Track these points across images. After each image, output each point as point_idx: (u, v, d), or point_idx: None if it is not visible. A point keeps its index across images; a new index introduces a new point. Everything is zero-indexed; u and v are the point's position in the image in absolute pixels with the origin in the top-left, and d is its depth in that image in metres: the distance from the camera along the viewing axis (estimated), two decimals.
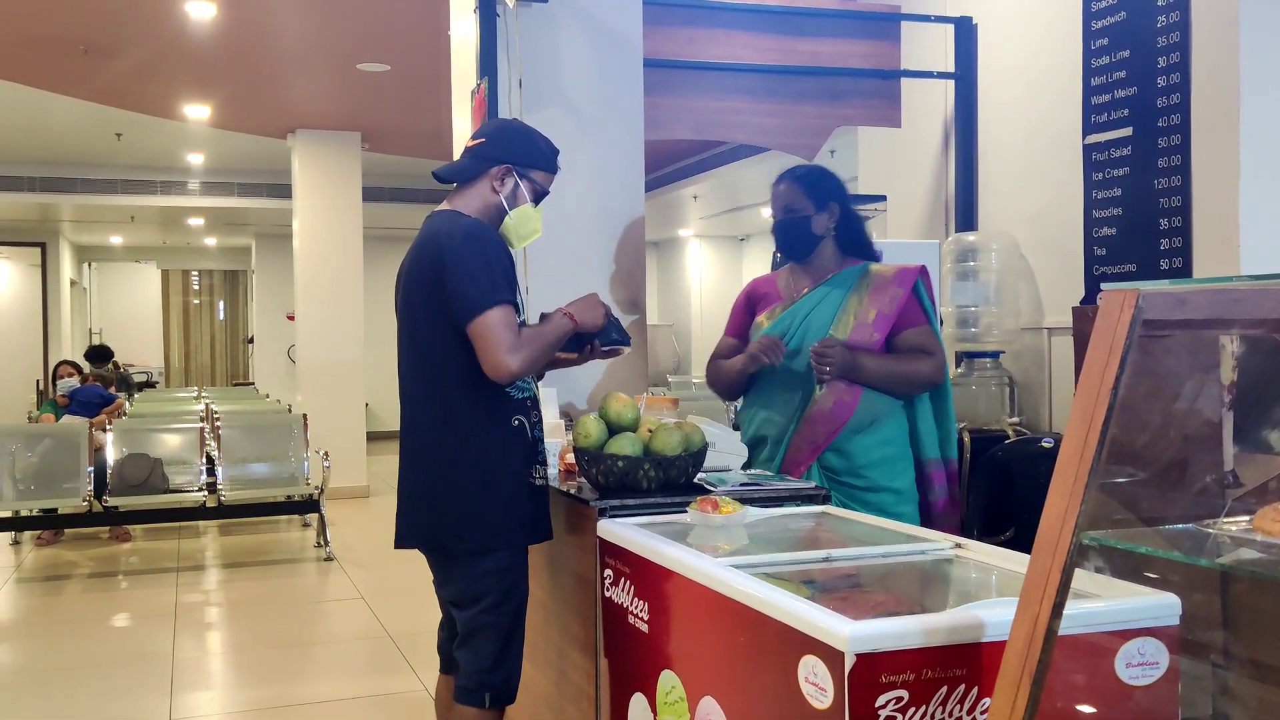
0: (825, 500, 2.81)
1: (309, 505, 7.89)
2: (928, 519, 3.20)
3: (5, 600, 6.61)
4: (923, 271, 3.27)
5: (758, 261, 16.08)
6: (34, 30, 7.12)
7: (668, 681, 2.24)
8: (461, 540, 2.70)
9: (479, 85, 3.76)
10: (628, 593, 2.44)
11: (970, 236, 4.64)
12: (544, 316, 2.85)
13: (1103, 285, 3.85)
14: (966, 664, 1.68)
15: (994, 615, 1.70)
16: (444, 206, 2.83)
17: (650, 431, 2.78)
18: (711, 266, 17.10)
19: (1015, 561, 2.15)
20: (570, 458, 2.97)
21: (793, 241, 3.32)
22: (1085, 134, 4.22)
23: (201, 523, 8.66)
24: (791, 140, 4.70)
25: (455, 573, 2.76)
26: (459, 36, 4.47)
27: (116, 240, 18.28)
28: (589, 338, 2.89)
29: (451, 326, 2.64)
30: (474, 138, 2.86)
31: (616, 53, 4.08)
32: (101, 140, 11.06)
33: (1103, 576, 1.79)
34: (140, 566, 7.65)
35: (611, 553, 2.54)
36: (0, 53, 7.69)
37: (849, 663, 1.61)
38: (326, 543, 7.72)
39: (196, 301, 21.91)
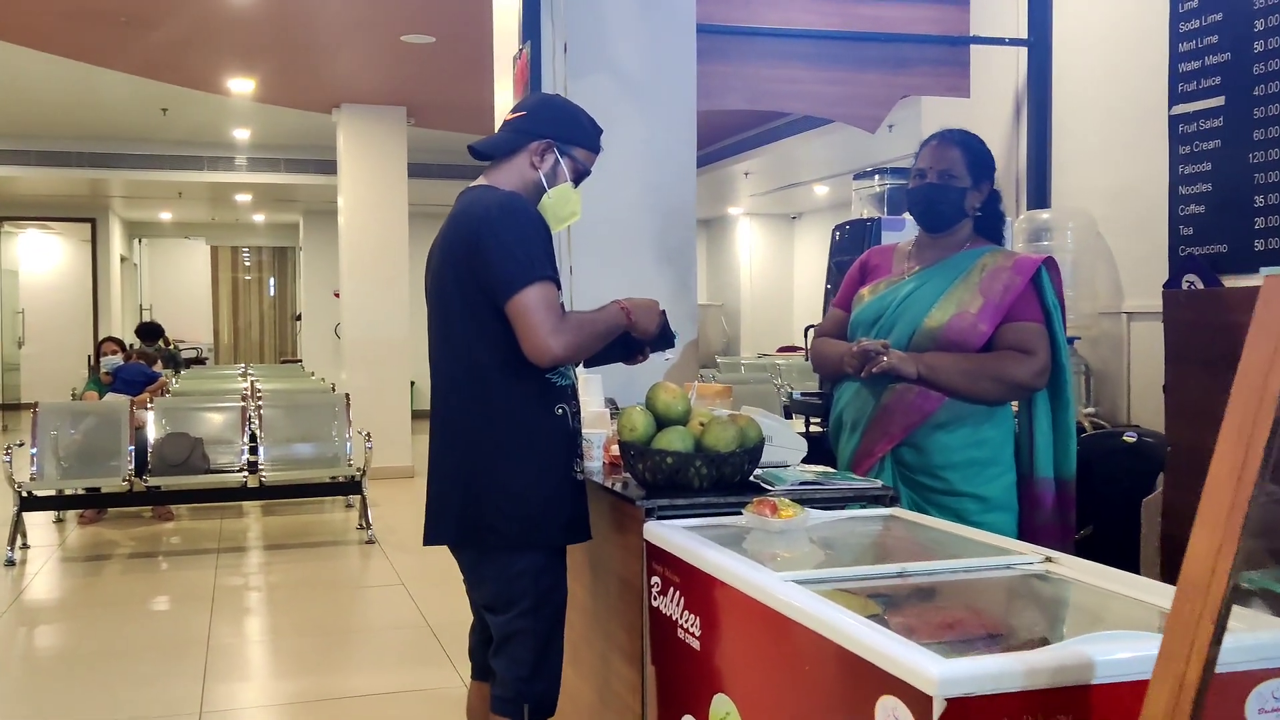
0: (893, 502, 2.57)
1: (351, 486, 7.75)
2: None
3: (45, 580, 6.53)
4: (1049, 263, 2.91)
5: (810, 241, 15.77)
6: (74, 2, 6.99)
7: (721, 707, 2.01)
8: (496, 533, 2.50)
9: (521, 51, 3.53)
10: (677, 604, 2.22)
11: (1044, 214, 4.35)
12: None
13: (1268, 269, 3.54)
14: (1074, 709, 1.44)
15: (1105, 653, 1.46)
16: (479, 182, 2.63)
17: (702, 425, 2.55)
18: (762, 246, 16.78)
19: (1116, 580, 1.91)
20: (616, 449, 2.74)
21: (938, 211, 2.96)
22: (1171, 104, 3.92)
23: (244, 502, 8.55)
24: (852, 110, 4.44)
25: (487, 573, 2.56)
26: (502, 3, 4.24)
27: (166, 216, 18.31)
28: (638, 344, 2.72)
29: (490, 307, 2.45)
30: (513, 111, 2.66)
31: (667, 17, 3.84)
32: (148, 115, 10.97)
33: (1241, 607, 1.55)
34: (181, 547, 7.55)
35: (659, 558, 2.31)
36: (42, 25, 7.58)
37: (938, 708, 1.37)
38: (368, 525, 7.58)
39: (248, 278, 21.94)
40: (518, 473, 2.49)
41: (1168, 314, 3.21)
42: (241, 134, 12.19)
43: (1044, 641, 1.56)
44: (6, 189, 14.59)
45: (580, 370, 2.93)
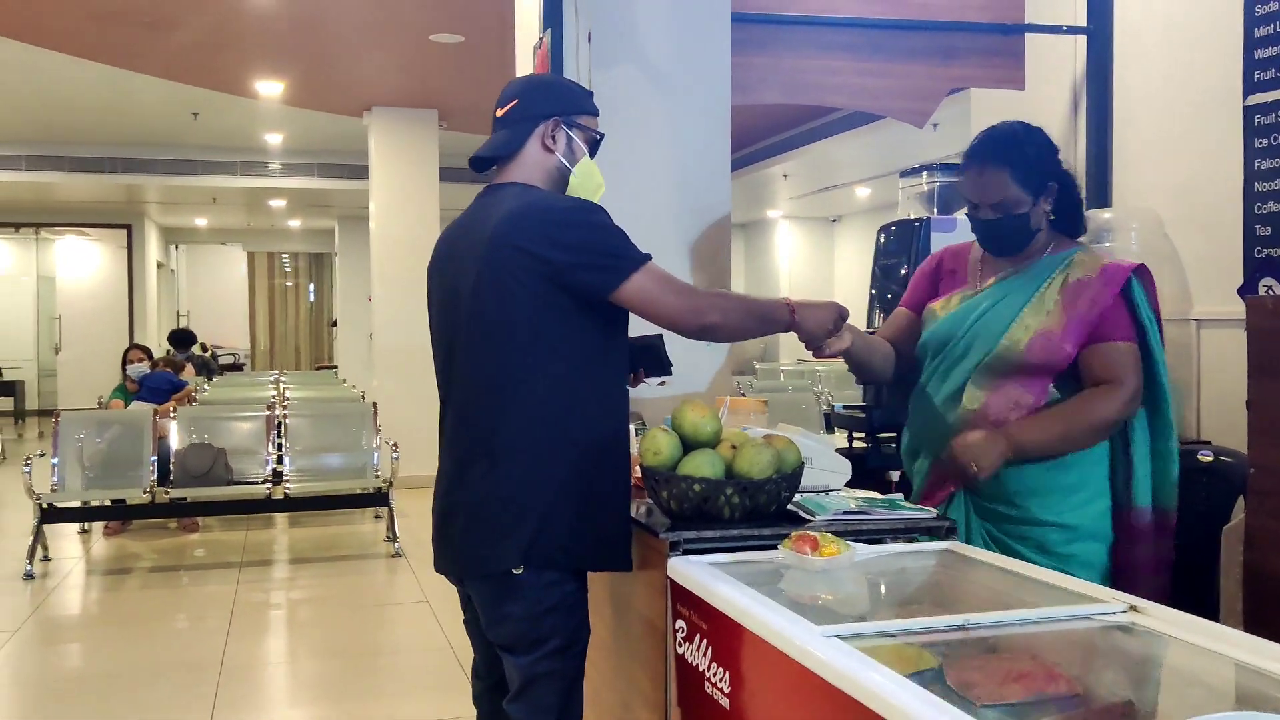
0: (950, 534, 2.29)
1: (378, 498, 7.54)
2: (1129, 581, 2.56)
3: (63, 595, 6.36)
4: (1140, 270, 2.59)
5: (850, 244, 15.45)
6: (100, 4, 6.85)
7: None
8: (567, 554, 2.24)
9: (541, 39, 3.29)
10: (704, 654, 1.96)
11: (1105, 213, 4.05)
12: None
13: None
14: None
15: None
16: (500, 182, 2.38)
17: (734, 448, 2.28)
18: (801, 249, 16.49)
19: (1212, 635, 1.63)
20: (640, 471, 2.48)
21: (1006, 244, 2.65)
22: (1246, 94, 3.61)
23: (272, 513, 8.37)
24: (898, 104, 4.15)
25: (513, 608, 2.26)
26: None
27: (201, 222, 18.29)
28: (638, 364, 2.53)
29: (560, 310, 2.23)
30: (501, 105, 2.42)
31: (701, 4, 3.57)
32: (179, 120, 10.87)
33: None
34: (204, 560, 7.37)
35: (685, 600, 2.05)
36: (67, 27, 7.46)
37: None
38: (395, 538, 7.36)
39: (290, 284, 21.93)
40: (591, 486, 2.26)
41: (1251, 322, 2.90)
42: (274, 139, 12.09)
43: (1129, 708, 1.30)
44: (44, 195, 14.60)
45: None
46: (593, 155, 2.45)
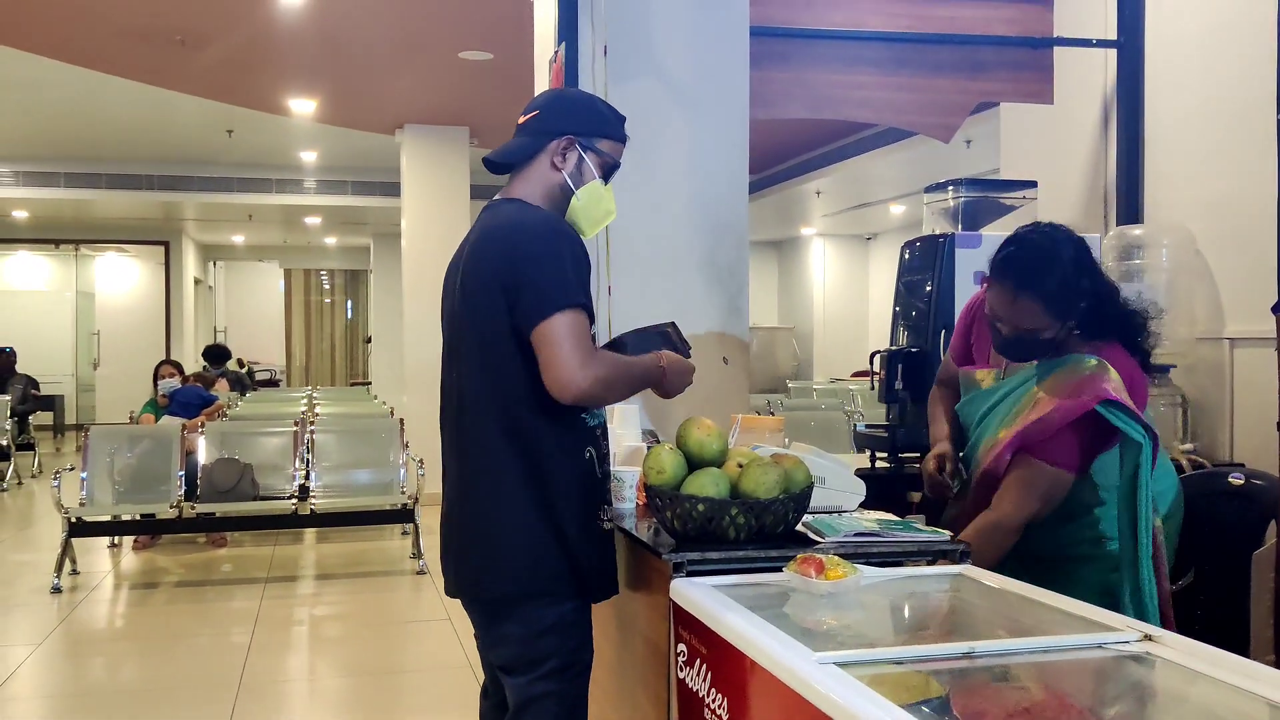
0: (963, 558, 2.22)
1: (404, 514, 7.51)
2: None
3: (88, 610, 6.37)
4: (1122, 407, 2.38)
5: (885, 262, 15.31)
6: (129, 20, 6.91)
7: None
8: (517, 586, 2.20)
9: (556, 53, 3.26)
10: (704, 679, 1.90)
11: (1136, 230, 3.97)
12: (615, 344, 2.35)
13: None
14: None
15: None
16: (502, 196, 2.35)
17: (740, 466, 2.22)
18: (836, 267, 16.37)
19: (1229, 667, 1.55)
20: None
21: (1020, 357, 2.56)
22: None
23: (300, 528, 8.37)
24: (924, 119, 4.10)
25: (509, 630, 2.25)
26: (543, 10, 3.98)
27: (238, 239, 18.43)
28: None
29: (516, 337, 2.18)
30: (525, 113, 2.38)
31: (718, 17, 3.54)
32: (214, 137, 10.96)
33: None
34: (230, 575, 7.37)
35: (686, 623, 2.00)
36: (100, 45, 7.53)
37: None
38: (420, 554, 7.34)
39: (329, 300, 22.09)
40: (540, 520, 2.20)
41: None
42: (308, 156, 12.16)
43: None
44: (83, 212, 14.76)
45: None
46: (607, 181, 2.38)
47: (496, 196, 2.38)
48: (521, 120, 2.36)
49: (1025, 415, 2.49)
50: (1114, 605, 2.47)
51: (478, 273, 2.25)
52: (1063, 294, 2.42)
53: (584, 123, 2.34)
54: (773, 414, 8.18)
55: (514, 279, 2.16)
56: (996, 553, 2.41)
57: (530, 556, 2.20)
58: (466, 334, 2.29)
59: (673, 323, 2.45)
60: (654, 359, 2.32)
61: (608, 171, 2.37)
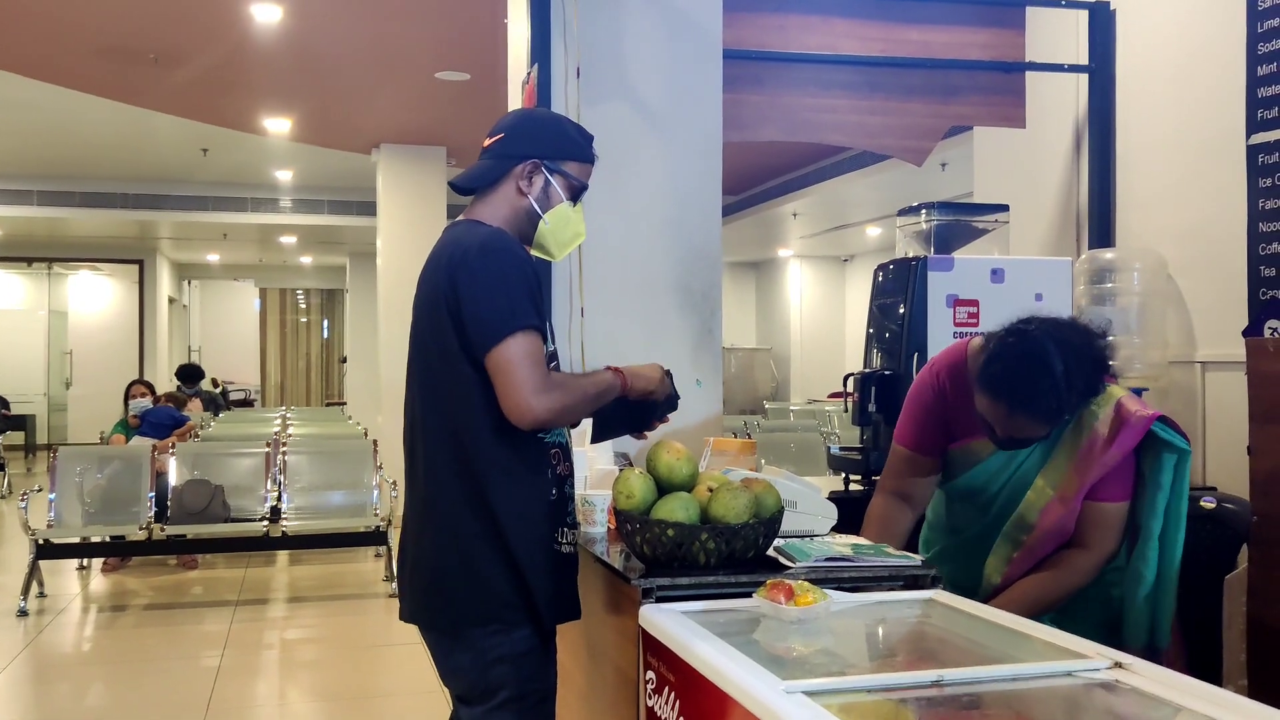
0: (934, 583, 2.21)
1: (377, 536, 7.45)
2: None
3: (54, 633, 6.28)
4: (1164, 419, 2.45)
5: (862, 284, 15.37)
6: (102, 40, 6.88)
7: None
8: (470, 612, 2.17)
9: (529, 74, 3.25)
10: (672, 708, 1.88)
11: (1107, 254, 3.98)
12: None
13: None
14: None
15: None
16: (463, 217, 2.33)
17: (710, 490, 2.21)
18: (813, 288, 16.44)
19: (1198, 695, 1.54)
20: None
21: (1025, 446, 2.54)
22: (1250, 133, 3.56)
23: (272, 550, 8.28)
24: (897, 142, 4.11)
25: (462, 659, 2.21)
26: (517, 31, 3.97)
27: (213, 258, 18.34)
28: (646, 411, 2.39)
29: (470, 359, 2.13)
30: (490, 135, 2.35)
31: (691, 39, 3.54)
32: (189, 156, 10.92)
33: None
34: (200, 598, 7.29)
35: (654, 650, 1.98)
36: (73, 63, 7.49)
37: None
38: (393, 577, 7.27)
39: (304, 320, 21.97)
40: (498, 545, 2.17)
41: (1252, 366, 2.82)
42: (284, 175, 12.13)
43: None
44: (56, 230, 14.66)
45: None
46: (575, 203, 2.35)
47: (460, 217, 2.37)
48: (487, 143, 2.34)
49: (1073, 462, 2.49)
50: (1114, 621, 2.53)
51: (424, 295, 2.25)
52: (1059, 406, 2.39)
53: (550, 145, 2.31)
54: (750, 435, 8.18)
55: (457, 301, 2.13)
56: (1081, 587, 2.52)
57: (477, 583, 2.16)
58: (417, 356, 2.27)
59: (668, 371, 2.42)
60: (608, 371, 2.30)
61: (576, 193, 2.34)
